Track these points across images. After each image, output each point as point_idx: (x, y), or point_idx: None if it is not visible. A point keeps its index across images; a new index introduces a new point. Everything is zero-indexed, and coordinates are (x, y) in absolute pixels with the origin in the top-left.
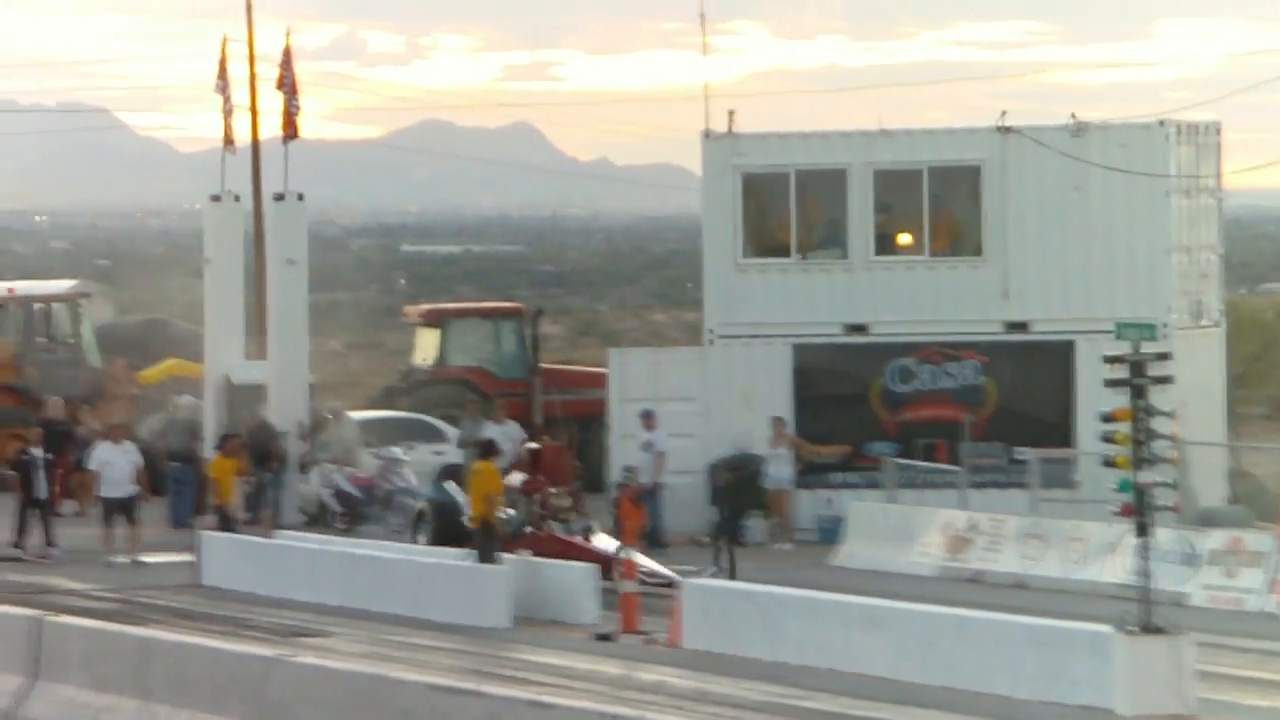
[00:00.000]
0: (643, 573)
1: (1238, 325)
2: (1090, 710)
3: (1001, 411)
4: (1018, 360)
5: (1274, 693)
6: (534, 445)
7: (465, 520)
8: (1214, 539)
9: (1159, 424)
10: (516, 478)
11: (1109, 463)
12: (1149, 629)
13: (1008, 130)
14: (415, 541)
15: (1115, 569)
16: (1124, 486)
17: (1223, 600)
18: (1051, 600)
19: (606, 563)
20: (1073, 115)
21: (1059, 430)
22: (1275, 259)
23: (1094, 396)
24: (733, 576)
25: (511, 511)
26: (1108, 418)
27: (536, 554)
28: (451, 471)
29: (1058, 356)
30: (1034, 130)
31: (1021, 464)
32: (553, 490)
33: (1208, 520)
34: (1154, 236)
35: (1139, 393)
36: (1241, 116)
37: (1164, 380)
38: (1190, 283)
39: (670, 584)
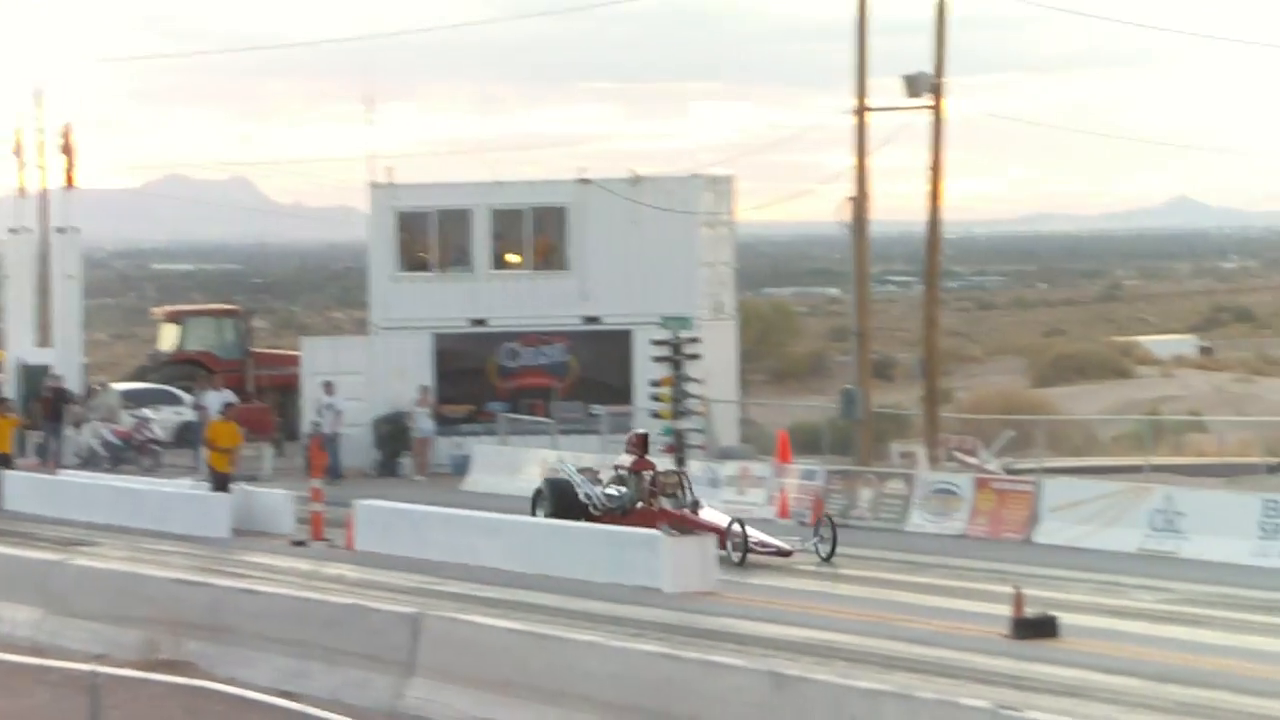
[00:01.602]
0: (755, 543)
1: (746, 318)
2: (645, 589)
3: (581, 380)
4: (593, 344)
5: (772, 573)
6: (233, 401)
7: (581, 497)
8: (730, 468)
9: (691, 387)
10: (626, 458)
11: (656, 415)
12: (684, 531)
13: (585, 181)
14: (534, 514)
15: None
16: (667, 432)
17: (737, 510)
18: None
19: (718, 533)
20: (631, 171)
21: (622, 393)
22: (771, 271)
23: (646, 369)
24: (833, 551)
25: (623, 489)
26: (656, 383)
27: (649, 527)
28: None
29: (621, 341)
30: (604, 182)
31: (596, 417)
32: (661, 470)
33: (725, 455)
34: (688, 256)
35: (677, 365)
36: (749, 171)
37: (694, 356)
38: (713, 288)
39: (781, 553)
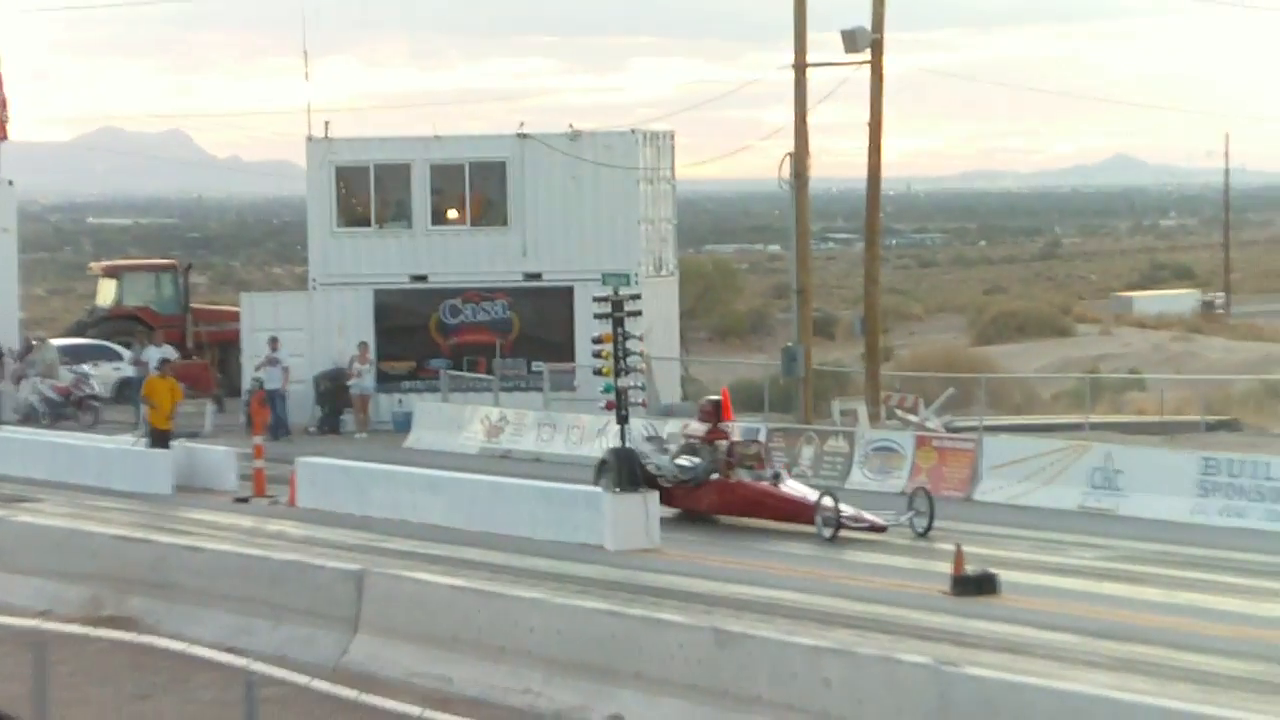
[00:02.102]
0: (847, 518)
1: (687, 275)
2: (587, 547)
3: (523, 337)
4: (534, 300)
5: (713, 530)
6: (170, 358)
7: (651, 468)
8: (671, 425)
9: (632, 345)
10: (699, 427)
11: (598, 372)
12: (626, 488)
13: (524, 136)
14: (598, 484)
15: (603, 447)
16: (608, 389)
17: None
18: (560, 470)
19: (801, 508)
20: (570, 126)
21: (564, 350)
22: (712, 228)
23: (588, 325)
24: (930, 526)
25: (696, 460)
26: (597, 340)
27: (725, 501)
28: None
29: (562, 297)
30: (543, 137)
31: (538, 374)
32: (738, 440)
33: (667, 412)
34: (628, 212)
35: (618, 323)
36: (689, 127)
37: (635, 314)
38: (653, 245)
39: (875, 528)
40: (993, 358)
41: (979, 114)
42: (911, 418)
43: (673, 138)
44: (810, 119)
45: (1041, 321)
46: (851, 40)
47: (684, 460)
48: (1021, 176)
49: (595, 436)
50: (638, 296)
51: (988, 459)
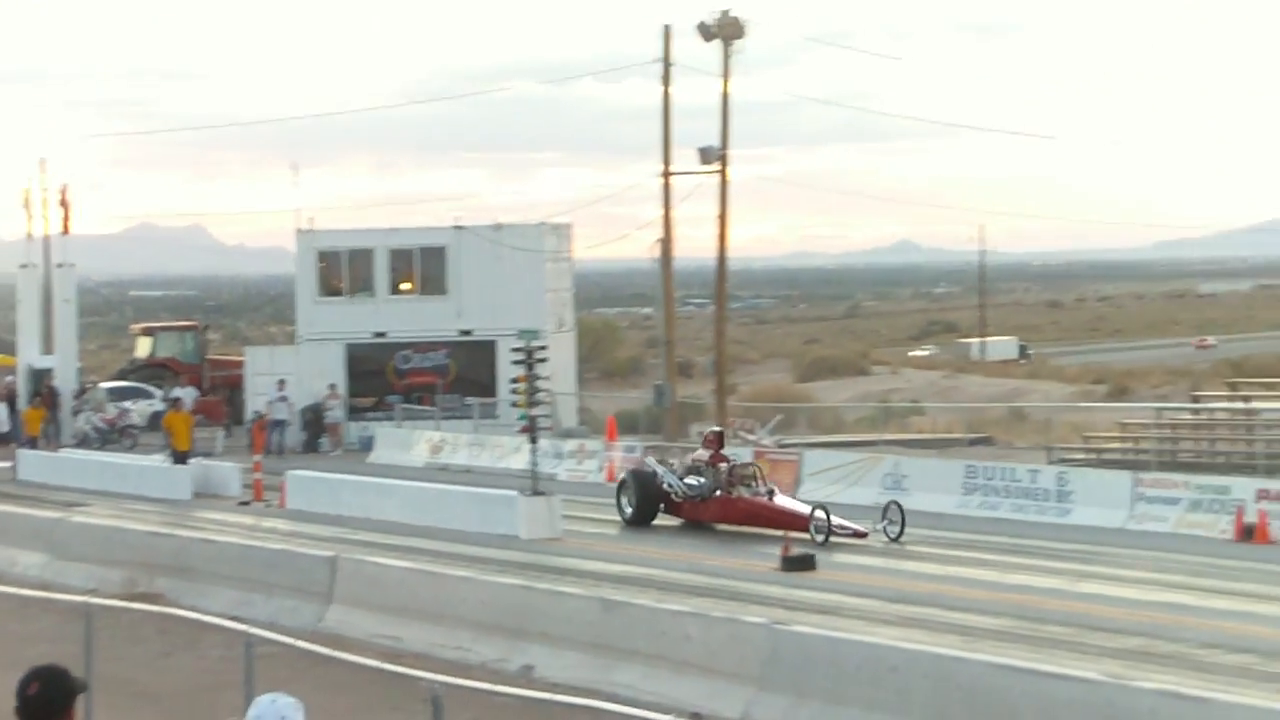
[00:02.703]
0: (835, 526)
1: (582, 331)
2: (507, 537)
3: (459, 379)
4: (466, 351)
5: (597, 522)
6: (179, 397)
7: (664, 486)
8: (570, 444)
9: (541, 383)
10: (703, 453)
11: (515, 404)
12: (537, 492)
13: (460, 228)
14: (619, 503)
15: (519, 461)
16: (523, 417)
17: (576, 476)
18: (487, 478)
19: (792, 518)
20: (495, 220)
21: (489, 388)
22: (601, 296)
23: (507, 369)
24: (901, 532)
25: (702, 480)
26: (514, 380)
27: (727, 513)
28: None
29: (488, 349)
30: (474, 228)
31: (469, 406)
32: (739, 463)
33: (567, 434)
34: (537, 284)
35: (530, 366)
36: (585, 221)
37: (543, 360)
38: (556, 308)
39: (857, 534)
40: (811, 391)
41: (800, 209)
42: (750, 437)
43: (571, 228)
44: (674, 213)
45: (847, 363)
46: (705, 155)
47: (691, 480)
48: (831, 256)
49: (513, 452)
50: (545, 347)
51: (807, 467)
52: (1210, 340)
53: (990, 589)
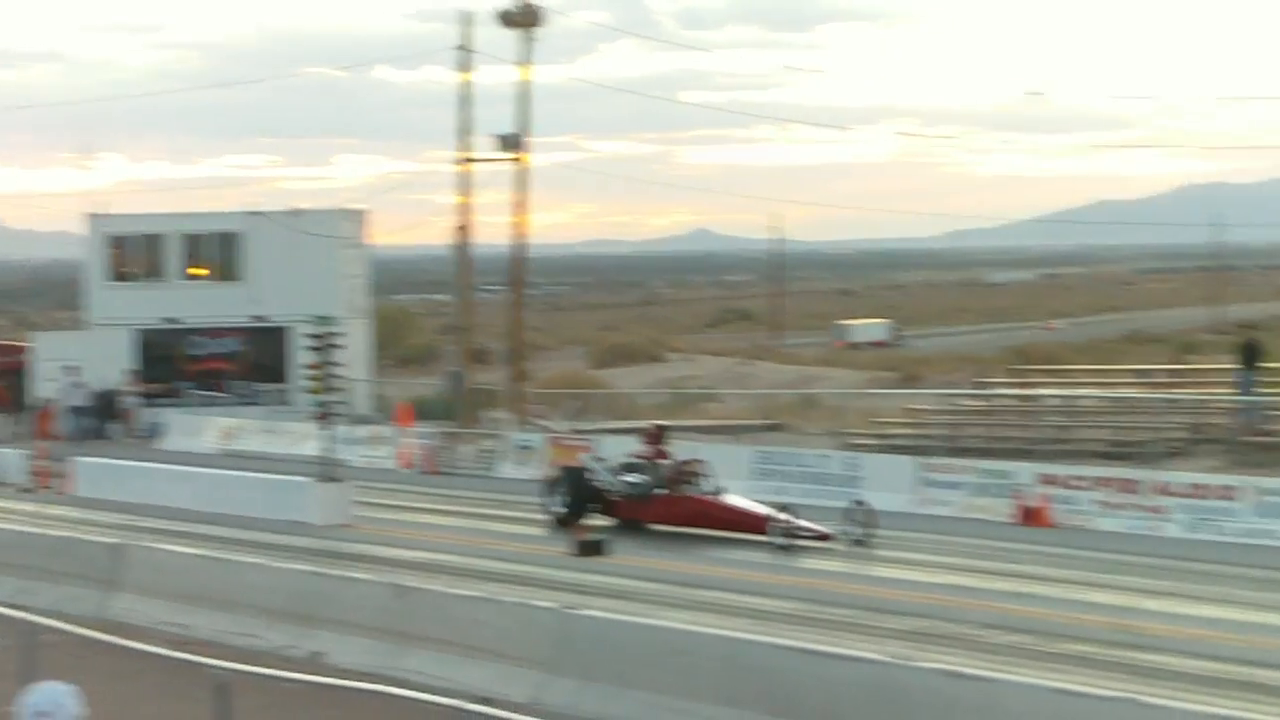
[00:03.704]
0: (799, 528)
1: (378, 317)
2: (299, 523)
3: (253, 365)
4: (260, 337)
5: (391, 508)
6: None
7: (600, 484)
8: (364, 430)
9: (335, 369)
10: (644, 448)
11: (310, 391)
12: (330, 478)
13: (256, 213)
14: (549, 499)
15: (312, 447)
16: (316, 403)
17: (369, 462)
18: (279, 465)
19: (743, 517)
20: (291, 205)
21: (282, 374)
22: (398, 282)
23: (300, 355)
24: (867, 535)
25: (643, 477)
26: (308, 366)
27: (672, 513)
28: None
29: (281, 335)
30: (270, 213)
31: (263, 392)
32: (684, 459)
33: (361, 420)
34: (333, 270)
35: (325, 353)
36: (383, 207)
37: (338, 346)
38: (352, 295)
39: (820, 536)
40: (606, 378)
41: (599, 197)
42: (545, 423)
43: (367, 214)
44: (472, 200)
45: (642, 350)
46: (504, 142)
47: (631, 477)
48: (628, 244)
49: (305, 439)
50: (340, 333)
51: (602, 453)
52: (1056, 324)
53: (780, 572)
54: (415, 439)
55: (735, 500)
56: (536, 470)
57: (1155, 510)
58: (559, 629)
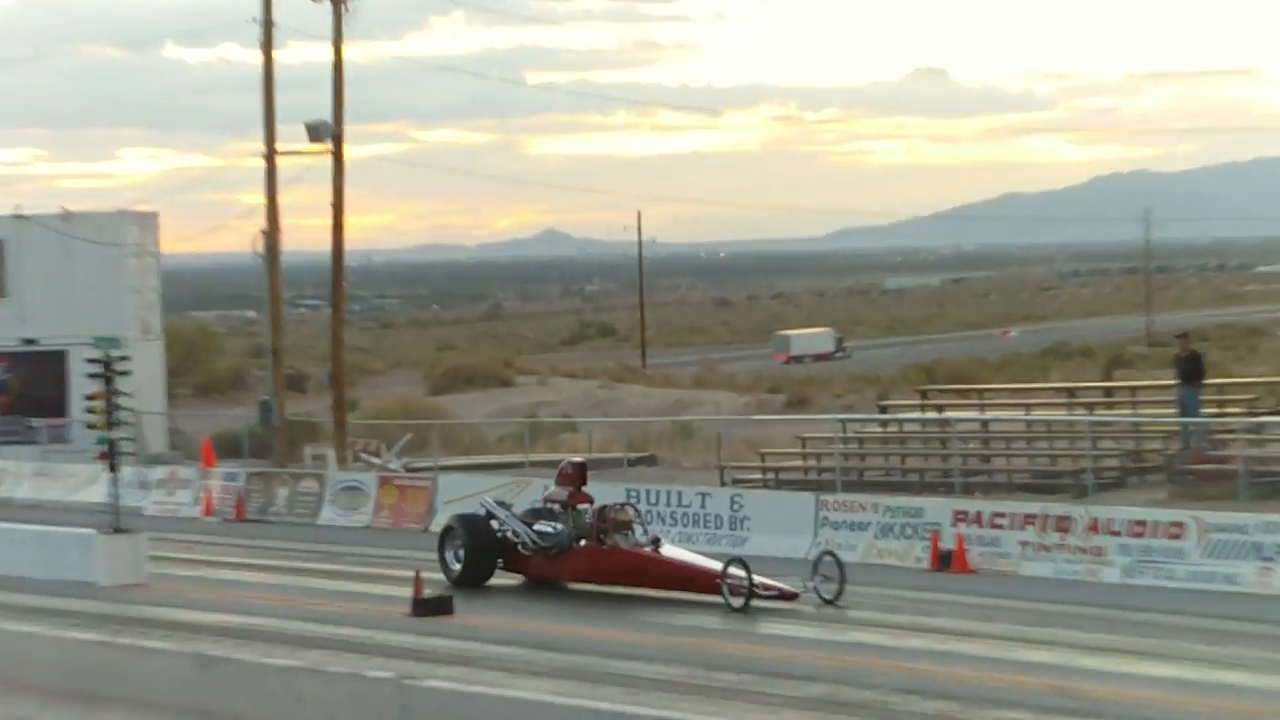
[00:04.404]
0: (758, 586)
1: (171, 338)
2: (83, 584)
3: (22, 396)
4: (31, 363)
5: (199, 566)
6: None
7: (509, 534)
8: (159, 472)
9: (122, 400)
10: (559, 491)
11: (91, 426)
12: (118, 530)
13: (21, 217)
14: (443, 555)
15: (97, 493)
16: (101, 441)
17: (166, 510)
18: (57, 515)
19: (691, 573)
20: (63, 208)
21: (59, 407)
22: (194, 297)
23: (81, 384)
24: (840, 592)
25: (559, 526)
26: (89, 397)
27: (597, 569)
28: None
29: (57, 360)
30: (38, 217)
31: (34, 429)
32: (610, 504)
33: (155, 460)
34: (117, 283)
35: (109, 381)
36: (173, 209)
37: (124, 373)
38: (140, 311)
39: (784, 595)
40: (445, 406)
41: (429, 195)
42: (375, 460)
43: (157, 218)
44: (280, 200)
45: (487, 374)
46: (315, 132)
47: (544, 526)
48: (467, 249)
49: (89, 483)
50: (127, 358)
51: (442, 494)
52: (1012, 332)
53: (657, 631)
54: (220, 481)
55: (676, 553)
56: (366, 514)
57: (1091, 551)
58: (397, 703)
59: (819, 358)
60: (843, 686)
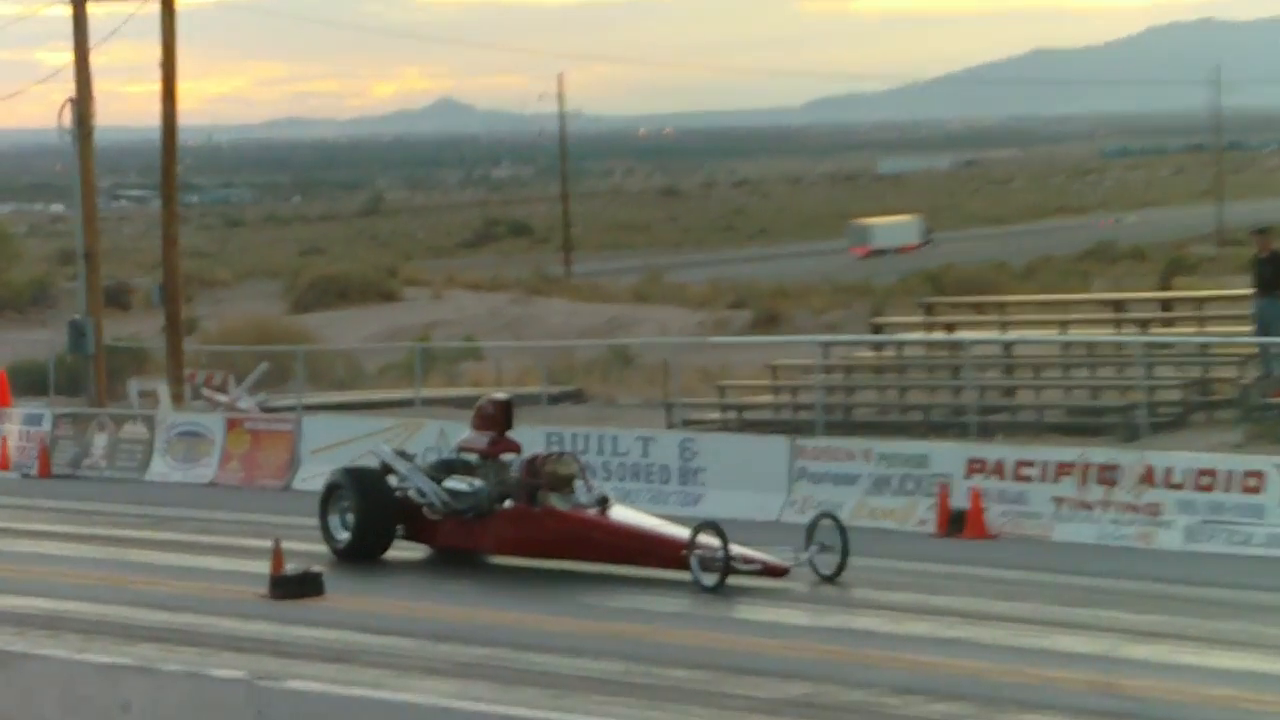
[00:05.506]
0: (735, 559)
1: None
2: None
3: None
4: None
5: (2, 535)
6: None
7: (412, 493)
8: None
9: None
10: (477, 438)
11: None
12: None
13: None
14: (325, 520)
15: None
16: None
17: None
18: None
19: (647, 543)
20: None
21: None
22: None
23: None
24: (843, 564)
25: (476, 483)
26: None
27: (527, 537)
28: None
29: None
30: None
31: None
32: (547, 454)
33: None
34: None
35: None
36: None
37: None
38: None
39: (770, 569)
40: (312, 328)
41: (289, 54)
42: (221, 398)
43: None
44: (94, 60)
45: (365, 286)
46: None
47: (457, 483)
48: (338, 124)
49: None
50: None
51: (308, 442)
52: (1123, 219)
53: (589, 615)
54: (19, 426)
55: (630, 516)
56: (210, 468)
57: (1144, 510)
58: (252, 710)
59: (903, 250)
60: (826, 685)
